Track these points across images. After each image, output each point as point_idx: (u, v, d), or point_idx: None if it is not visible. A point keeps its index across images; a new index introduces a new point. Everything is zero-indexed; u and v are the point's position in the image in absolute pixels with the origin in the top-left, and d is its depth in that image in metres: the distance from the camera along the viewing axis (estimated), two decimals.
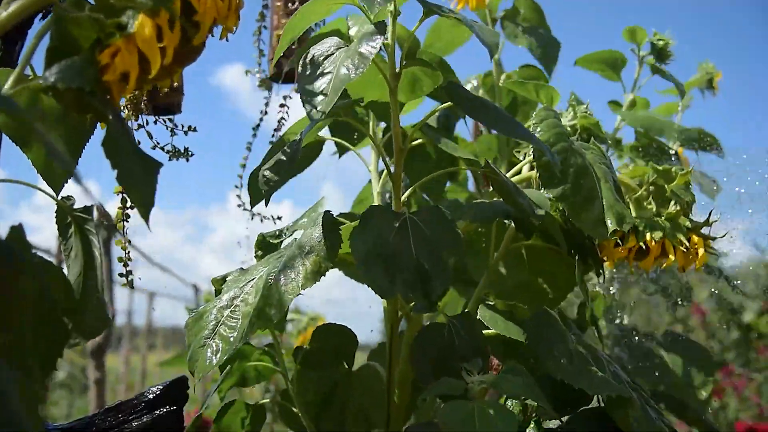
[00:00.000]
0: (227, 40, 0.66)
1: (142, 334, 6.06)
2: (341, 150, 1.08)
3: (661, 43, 1.14)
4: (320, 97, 0.63)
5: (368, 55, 0.64)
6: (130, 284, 0.82)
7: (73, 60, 0.46)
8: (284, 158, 0.69)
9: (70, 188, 0.59)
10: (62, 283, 0.53)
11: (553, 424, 0.76)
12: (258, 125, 1.11)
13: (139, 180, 0.46)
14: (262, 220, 1.03)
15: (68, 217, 0.60)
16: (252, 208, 0.99)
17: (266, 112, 1.11)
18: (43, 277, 0.51)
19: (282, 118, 1.06)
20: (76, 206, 0.61)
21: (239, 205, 1.02)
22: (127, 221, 0.82)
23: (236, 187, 1.02)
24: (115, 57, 0.47)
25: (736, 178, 1.13)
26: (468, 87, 1.22)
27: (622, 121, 1.19)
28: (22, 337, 0.39)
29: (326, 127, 0.99)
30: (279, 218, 1.03)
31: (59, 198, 0.59)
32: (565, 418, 0.76)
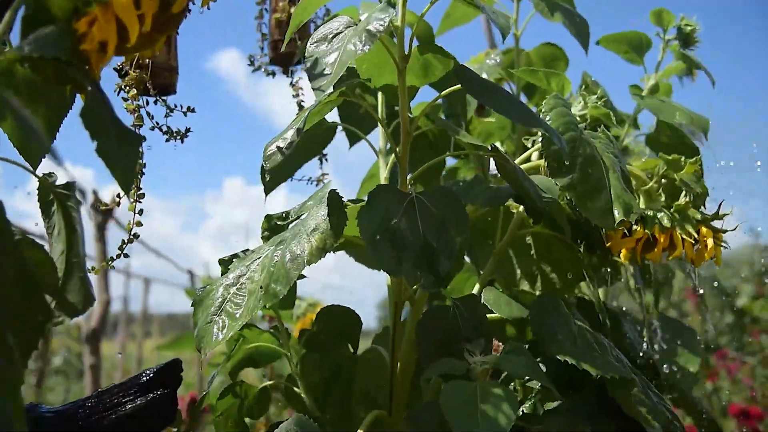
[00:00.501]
0: (208, 8, 0.65)
1: (138, 321, 6.06)
2: (351, 137, 1.08)
3: (688, 28, 1.11)
4: (327, 71, 0.63)
5: (376, 33, 0.64)
6: (112, 261, 0.81)
7: (49, 29, 0.45)
8: (288, 137, 0.69)
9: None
10: (45, 261, 0.52)
11: (555, 404, 0.77)
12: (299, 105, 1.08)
13: (119, 153, 0.45)
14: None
15: (50, 194, 0.59)
16: (266, 195, 0.99)
17: (300, 97, 1.08)
18: (24, 254, 0.50)
19: (301, 101, 1.05)
20: (58, 183, 0.60)
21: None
22: (141, 201, 0.82)
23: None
24: (93, 25, 0.46)
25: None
26: (489, 62, 1.21)
27: (640, 108, 1.16)
28: (2, 316, 0.39)
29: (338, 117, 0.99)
30: None
31: (41, 175, 0.59)
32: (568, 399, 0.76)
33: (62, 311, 0.61)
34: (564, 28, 1.02)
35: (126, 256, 0.82)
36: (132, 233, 0.81)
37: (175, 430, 1.68)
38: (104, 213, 2.85)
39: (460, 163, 1.28)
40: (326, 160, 1.02)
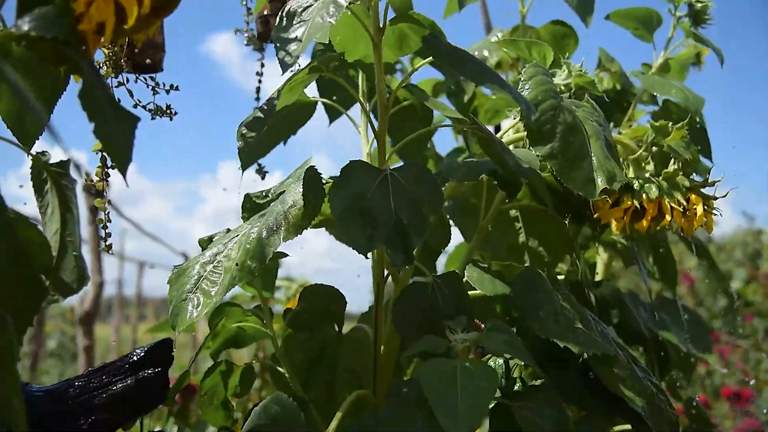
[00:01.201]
0: None
1: (133, 304, 6.07)
2: (331, 113, 1.06)
3: (699, 5, 1.08)
4: (293, 46, 0.61)
5: (344, 4, 0.63)
6: (108, 248, 0.81)
7: (47, 8, 0.45)
8: (261, 115, 0.68)
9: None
10: (39, 241, 0.52)
11: (538, 382, 0.76)
12: (258, 88, 1.08)
13: (116, 134, 0.45)
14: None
15: (44, 173, 0.58)
16: (243, 172, 0.98)
17: (262, 74, 1.09)
18: (18, 233, 0.49)
19: (260, 72, 1.04)
20: (52, 161, 0.59)
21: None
22: (107, 180, 0.81)
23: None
24: (91, 6, 0.46)
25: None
26: (492, 39, 1.19)
27: (644, 89, 1.14)
28: None
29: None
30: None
31: (34, 153, 0.58)
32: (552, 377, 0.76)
33: (56, 290, 0.60)
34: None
35: (109, 235, 0.81)
36: (106, 213, 0.79)
37: (167, 409, 1.68)
38: (97, 196, 2.83)
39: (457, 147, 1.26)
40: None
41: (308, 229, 0.73)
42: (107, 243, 0.81)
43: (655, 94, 1.07)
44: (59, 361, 4.87)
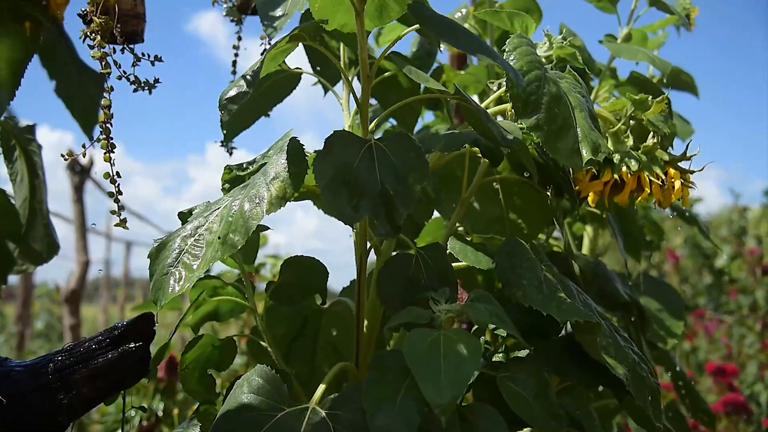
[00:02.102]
0: None
1: (120, 285, 6.05)
2: (323, 87, 1.05)
3: None
4: (279, 11, 0.60)
5: None
6: (123, 222, 0.78)
7: None
8: (244, 85, 0.67)
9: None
10: (7, 207, 0.51)
11: (523, 353, 0.76)
12: (234, 61, 1.07)
13: (80, 92, 0.43)
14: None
15: (12, 139, 0.57)
16: (225, 144, 0.96)
17: (238, 47, 1.07)
18: None
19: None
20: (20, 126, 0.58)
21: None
22: (113, 151, 0.78)
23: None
24: None
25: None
26: (457, 15, 1.18)
27: (614, 56, 1.15)
28: None
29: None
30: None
31: (2, 118, 0.56)
32: (535, 348, 0.76)
33: (26, 259, 0.59)
34: None
35: (122, 209, 0.78)
36: (117, 190, 0.76)
37: (153, 386, 1.68)
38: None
39: (437, 120, 1.26)
40: (268, 115, 0.99)
41: (291, 201, 0.72)
42: (121, 218, 0.79)
43: (622, 58, 1.07)
44: (46, 342, 4.86)
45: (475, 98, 1.18)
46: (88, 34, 0.81)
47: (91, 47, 0.81)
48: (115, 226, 0.78)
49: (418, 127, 1.21)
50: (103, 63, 0.82)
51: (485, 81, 1.13)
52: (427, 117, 1.32)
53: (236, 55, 1.06)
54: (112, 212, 0.76)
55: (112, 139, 0.78)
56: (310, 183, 0.73)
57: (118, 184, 0.79)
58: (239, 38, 1.04)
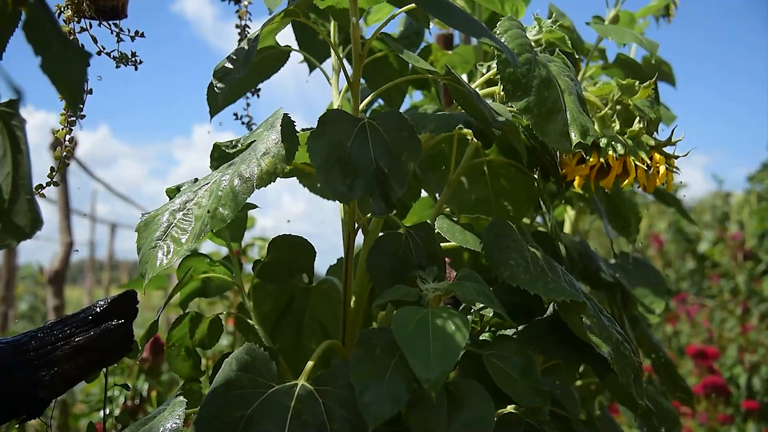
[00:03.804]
0: None
1: (105, 267, 6.02)
2: (309, 66, 1.05)
3: None
4: None
5: None
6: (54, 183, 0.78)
7: None
8: (236, 58, 0.66)
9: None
10: None
11: (510, 332, 0.77)
12: (240, 39, 1.05)
13: (66, 69, 0.43)
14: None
15: None
16: (211, 118, 0.96)
17: (241, 26, 1.05)
18: None
19: (246, 25, 1.01)
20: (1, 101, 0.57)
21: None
22: (73, 128, 0.78)
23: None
24: None
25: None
26: None
27: (601, 38, 1.15)
28: None
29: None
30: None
31: None
32: (521, 327, 0.77)
33: (9, 234, 0.58)
34: None
35: (56, 184, 0.78)
36: (64, 155, 0.77)
37: (137, 366, 1.68)
38: (66, 157, 2.78)
39: (425, 100, 1.26)
40: (258, 95, 0.98)
41: (280, 178, 0.72)
42: (54, 179, 0.78)
43: (604, 44, 1.08)
44: (30, 323, 4.83)
45: (464, 79, 1.18)
46: (62, 9, 0.80)
47: (66, 22, 0.80)
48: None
49: (406, 107, 1.22)
50: (71, 38, 0.81)
51: (473, 62, 1.13)
52: (416, 96, 1.32)
53: (240, 34, 1.04)
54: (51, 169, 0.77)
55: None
56: (298, 160, 0.73)
57: (69, 146, 0.79)
58: (240, 17, 1.03)
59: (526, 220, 1.11)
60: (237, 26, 1.03)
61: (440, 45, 1.40)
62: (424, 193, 1.04)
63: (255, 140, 0.76)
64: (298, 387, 0.63)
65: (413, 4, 0.72)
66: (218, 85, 0.69)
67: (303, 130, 0.78)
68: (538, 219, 1.08)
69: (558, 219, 1.34)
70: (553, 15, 1.11)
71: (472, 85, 0.88)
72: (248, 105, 1.01)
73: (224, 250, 0.91)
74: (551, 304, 0.78)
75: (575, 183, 0.83)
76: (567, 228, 1.34)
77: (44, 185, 0.79)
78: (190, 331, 0.85)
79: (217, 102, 0.74)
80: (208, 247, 2.72)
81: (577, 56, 1.13)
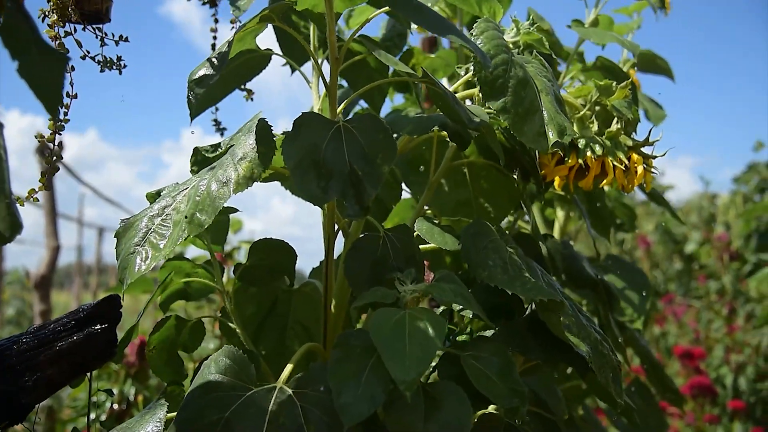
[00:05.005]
0: None
1: (93, 271, 5.99)
2: (291, 67, 1.05)
3: None
4: None
5: None
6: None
7: None
8: (212, 65, 0.66)
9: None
10: None
11: (488, 333, 0.77)
12: (213, 45, 1.06)
13: (44, 73, 0.43)
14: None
15: None
16: (191, 120, 0.96)
17: (215, 29, 1.06)
18: None
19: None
20: None
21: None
22: (60, 134, 0.78)
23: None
24: None
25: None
26: (428, 3, 1.19)
27: (582, 40, 1.16)
28: None
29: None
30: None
31: None
32: (499, 328, 0.77)
33: None
34: None
35: (46, 189, 0.79)
36: (53, 160, 0.77)
37: (124, 371, 1.67)
38: (51, 161, 2.77)
39: (407, 103, 1.26)
40: (252, 99, 0.99)
41: (259, 182, 0.72)
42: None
43: (582, 48, 1.08)
44: (17, 328, 4.80)
45: (445, 82, 1.19)
46: (47, 13, 0.80)
47: (51, 26, 0.80)
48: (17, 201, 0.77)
49: (388, 110, 1.22)
50: (57, 43, 0.81)
51: (455, 64, 1.14)
52: (397, 100, 1.32)
53: (215, 38, 1.05)
54: (43, 174, 0.77)
55: (67, 115, 0.78)
56: (278, 164, 0.73)
57: (55, 152, 0.79)
58: (216, 20, 1.04)
59: (510, 219, 1.12)
60: (212, 29, 1.04)
61: (425, 48, 1.40)
62: (408, 195, 1.05)
63: (233, 145, 0.76)
64: (276, 390, 0.63)
65: (387, 7, 0.72)
66: (194, 90, 0.70)
67: (283, 133, 0.79)
68: (526, 218, 1.09)
69: (548, 219, 1.35)
70: (531, 17, 1.12)
71: (451, 88, 0.88)
72: (216, 109, 1.01)
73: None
74: (531, 305, 0.79)
75: (555, 184, 0.83)
76: (556, 229, 1.35)
77: (36, 190, 0.79)
78: (171, 334, 0.84)
79: (194, 106, 0.75)
80: (195, 251, 2.71)
81: (555, 59, 1.14)
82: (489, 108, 0.75)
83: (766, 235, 3.50)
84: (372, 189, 0.64)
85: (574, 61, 1.14)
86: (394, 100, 1.29)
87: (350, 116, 1.09)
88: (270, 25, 0.82)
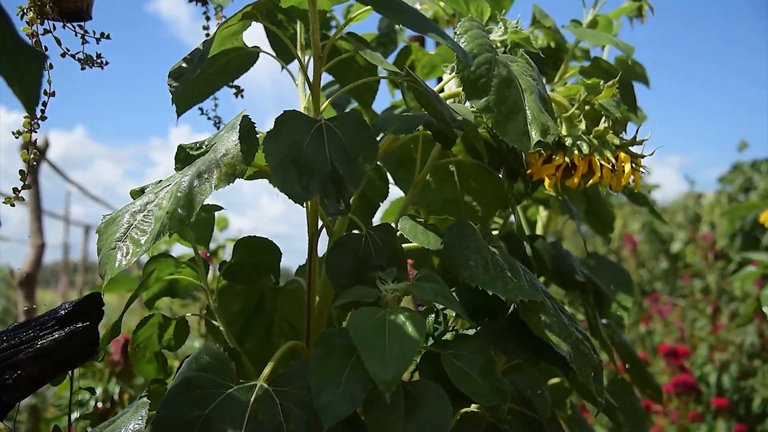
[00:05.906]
0: None
1: (79, 270, 5.95)
2: (281, 66, 1.05)
3: None
4: None
5: None
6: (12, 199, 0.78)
7: None
8: (192, 61, 0.66)
9: None
10: None
11: (471, 332, 0.77)
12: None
13: (22, 71, 0.43)
14: None
15: None
16: (178, 117, 0.95)
17: (208, 27, 1.06)
18: None
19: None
20: None
21: None
22: (36, 132, 0.78)
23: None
24: None
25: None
26: (416, 6, 1.18)
27: (578, 40, 1.15)
28: None
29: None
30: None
31: None
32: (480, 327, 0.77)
33: None
34: None
35: (28, 187, 0.78)
36: (32, 158, 0.77)
37: (108, 369, 1.66)
38: (35, 158, 2.75)
39: (402, 101, 1.26)
40: (242, 96, 0.98)
41: (243, 179, 0.72)
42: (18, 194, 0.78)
43: (586, 44, 1.08)
44: (3, 326, 4.76)
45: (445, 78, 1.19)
46: (25, 10, 0.80)
47: (29, 23, 0.80)
48: (4, 202, 0.77)
49: (386, 106, 1.22)
50: (34, 40, 0.81)
51: (453, 61, 1.14)
52: (397, 96, 1.32)
53: (207, 35, 1.04)
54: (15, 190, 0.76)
55: (44, 112, 0.78)
56: (263, 162, 0.73)
57: (35, 149, 0.78)
58: (207, 18, 1.03)
59: (498, 219, 1.12)
60: (204, 27, 1.03)
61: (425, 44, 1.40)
62: (401, 194, 1.04)
63: (217, 142, 0.76)
64: (257, 388, 0.63)
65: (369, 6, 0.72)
66: (173, 85, 0.69)
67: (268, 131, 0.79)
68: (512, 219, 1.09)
69: (531, 220, 1.35)
70: (537, 15, 1.12)
71: (439, 85, 0.88)
72: (216, 106, 1.01)
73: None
74: (513, 304, 0.79)
75: (546, 183, 0.83)
76: (539, 229, 1.35)
77: (20, 189, 0.79)
78: (155, 332, 0.84)
79: (178, 101, 0.74)
80: (181, 249, 2.70)
81: (561, 56, 1.14)
82: (473, 106, 0.75)
83: (750, 235, 3.53)
84: (353, 187, 0.64)
85: (579, 59, 1.14)
86: (395, 96, 1.29)
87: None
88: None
